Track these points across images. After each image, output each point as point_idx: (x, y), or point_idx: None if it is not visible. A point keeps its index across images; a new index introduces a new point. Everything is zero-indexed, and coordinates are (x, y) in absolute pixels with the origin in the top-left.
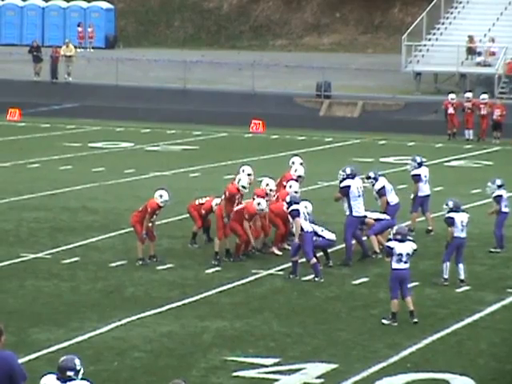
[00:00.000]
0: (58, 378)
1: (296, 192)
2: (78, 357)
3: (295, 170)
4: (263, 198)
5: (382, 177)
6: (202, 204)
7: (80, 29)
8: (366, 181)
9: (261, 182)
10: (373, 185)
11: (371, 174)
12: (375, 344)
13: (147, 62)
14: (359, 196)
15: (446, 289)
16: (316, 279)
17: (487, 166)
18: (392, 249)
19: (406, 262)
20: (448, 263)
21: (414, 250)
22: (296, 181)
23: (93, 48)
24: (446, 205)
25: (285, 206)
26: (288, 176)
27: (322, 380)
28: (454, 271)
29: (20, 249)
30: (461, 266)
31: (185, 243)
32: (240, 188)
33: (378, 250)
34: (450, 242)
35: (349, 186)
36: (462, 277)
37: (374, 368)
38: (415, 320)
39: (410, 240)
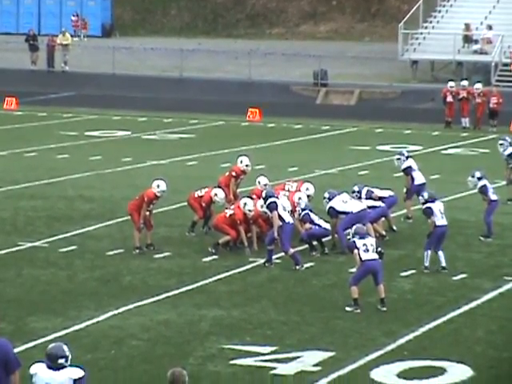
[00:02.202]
0: (49, 367)
1: (308, 196)
2: (64, 343)
3: (306, 189)
4: (260, 197)
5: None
6: (201, 196)
7: (74, 18)
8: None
9: (257, 170)
10: (359, 197)
11: (355, 188)
12: (372, 332)
13: (144, 50)
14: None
15: (443, 277)
16: (297, 267)
17: (484, 153)
18: (354, 242)
19: (374, 252)
20: (429, 251)
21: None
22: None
23: (88, 37)
24: (422, 196)
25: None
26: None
27: (319, 368)
28: (449, 260)
29: (17, 237)
30: (441, 253)
31: (182, 232)
32: (246, 212)
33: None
34: (433, 231)
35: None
36: (444, 264)
37: (371, 356)
38: (384, 309)
39: (370, 236)
